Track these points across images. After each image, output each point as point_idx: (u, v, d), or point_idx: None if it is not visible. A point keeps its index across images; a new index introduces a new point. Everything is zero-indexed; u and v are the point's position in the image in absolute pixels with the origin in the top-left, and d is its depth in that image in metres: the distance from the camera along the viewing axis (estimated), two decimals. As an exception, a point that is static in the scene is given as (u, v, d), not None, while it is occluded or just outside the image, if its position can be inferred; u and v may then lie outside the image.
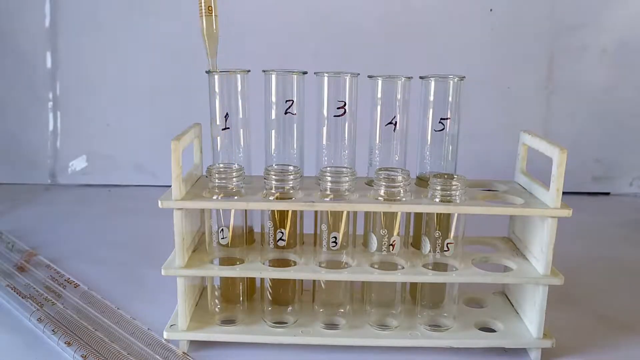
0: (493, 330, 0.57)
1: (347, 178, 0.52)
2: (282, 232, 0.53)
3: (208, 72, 0.55)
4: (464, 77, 0.55)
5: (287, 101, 0.55)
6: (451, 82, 0.55)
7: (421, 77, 0.56)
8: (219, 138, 0.56)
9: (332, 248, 0.53)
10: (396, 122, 0.55)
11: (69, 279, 0.67)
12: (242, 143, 0.57)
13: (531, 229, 0.56)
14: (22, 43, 1.08)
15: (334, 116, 0.55)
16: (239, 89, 0.55)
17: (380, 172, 0.53)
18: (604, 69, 1.09)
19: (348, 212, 0.53)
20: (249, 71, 0.56)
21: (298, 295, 0.57)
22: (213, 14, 0.54)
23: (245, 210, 0.55)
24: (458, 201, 0.52)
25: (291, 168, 0.54)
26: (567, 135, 1.09)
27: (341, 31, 1.06)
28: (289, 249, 0.54)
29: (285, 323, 0.56)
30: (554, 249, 0.52)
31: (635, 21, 1.07)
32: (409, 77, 0.55)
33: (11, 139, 1.11)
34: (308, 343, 0.54)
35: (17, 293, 0.63)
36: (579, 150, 1.08)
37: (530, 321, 0.55)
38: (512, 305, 0.61)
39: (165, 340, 0.54)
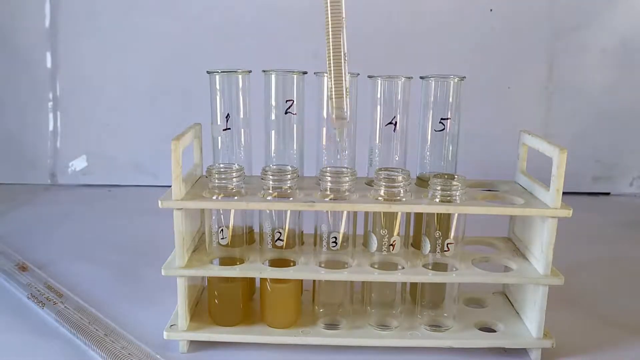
0: (493, 330, 0.57)
1: (347, 178, 0.52)
2: (280, 232, 0.54)
3: (209, 72, 0.55)
4: (464, 77, 0.55)
5: (287, 101, 0.55)
6: (451, 82, 0.55)
7: (421, 77, 0.56)
8: (219, 138, 0.56)
9: (332, 248, 0.53)
10: (396, 122, 0.55)
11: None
12: (242, 143, 0.57)
13: (531, 229, 0.56)
14: (22, 43, 1.08)
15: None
16: (240, 89, 0.55)
17: (380, 172, 0.53)
18: (604, 69, 1.09)
19: (348, 212, 0.53)
20: (250, 72, 0.56)
21: (298, 295, 0.57)
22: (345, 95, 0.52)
23: (245, 210, 0.55)
24: (458, 201, 0.52)
25: (289, 168, 0.54)
26: (567, 135, 1.09)
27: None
28: (289, 249, 0.54)
29: (286, 323, 0.56)
30: (554, 249, 0.52)
31: (635, 21, 1.07)
32: (409, 77, 0.55)
33: (11, 139, 1.11)
34: (308, 343, 0.54)
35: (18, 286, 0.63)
36: (579, 150, 1.08)
37: (530, 321, 0.55)
38: (512, 305, 0.61)
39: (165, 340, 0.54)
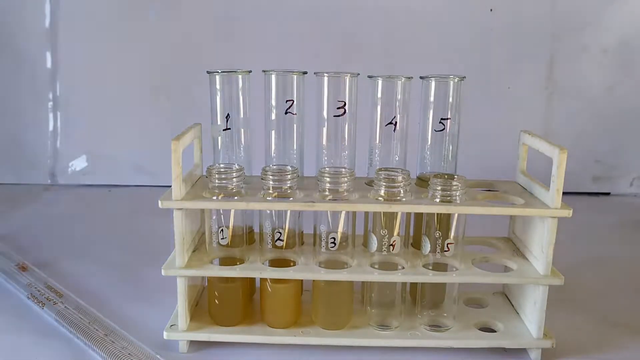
0: (493, 330, 0.57)
1: (345, 179, 0.52)
2: (280, 232, 0.54)
3: (209, 72, 0.55)
4: (464, 77, 0.55)
5: (287, 101, 0.55)
6: (451, 82, 0.55)
7: (421, 77, 0.56)
8: (219, 138, 0.56)
9: (331, 249, 0.53)
10: (396, 122, 0.55)
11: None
12: (242, 143, 0.57)
13: (531, 229, 0.56)
14: (22, 43, 1.08)
15: (334, 116, 0.55)
16: (240, 89, 0.55)
17: (380, 172, 0.53)
18: (604, 69, 1.09)
19: (347, 212, 0.53)
20: (250, 72, 0.56)
21: (298, 295, 0.57)
22: None
23: (245, 210, 0.55)
24: (458, 201, 0.52)
25: (289, 168, 0.54)
26: (567, 136, 1.09)
27: (341, 31, 1.06)
28: (288, 249, 0.54)
29: (286, 323, 0.56)
30: (554, 249, 0.52)
31: (635, 21, 1.07)
32: (409, 77, 0.55)
33: (11, 139, 1.11)
34: (308, 343, 0.54)
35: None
36: (579, 151, 1.08)
37: (530, 321, 0.55)
38: (512, 305, 0.61)
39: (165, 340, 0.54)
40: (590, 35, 1.07)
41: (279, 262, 0.54)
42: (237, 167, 0.54)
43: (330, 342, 0.54)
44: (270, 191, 0.52)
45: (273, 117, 0.56)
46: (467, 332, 0.55)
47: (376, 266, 0.54)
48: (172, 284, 0.54)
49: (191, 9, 1.06)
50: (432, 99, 0.56)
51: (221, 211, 0.53)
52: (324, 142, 0.56)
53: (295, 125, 0.56)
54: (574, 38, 1.08)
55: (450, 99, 0.55)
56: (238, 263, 0.54)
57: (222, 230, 0.54)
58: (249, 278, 0.57)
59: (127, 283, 0.68)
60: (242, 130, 0.56)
